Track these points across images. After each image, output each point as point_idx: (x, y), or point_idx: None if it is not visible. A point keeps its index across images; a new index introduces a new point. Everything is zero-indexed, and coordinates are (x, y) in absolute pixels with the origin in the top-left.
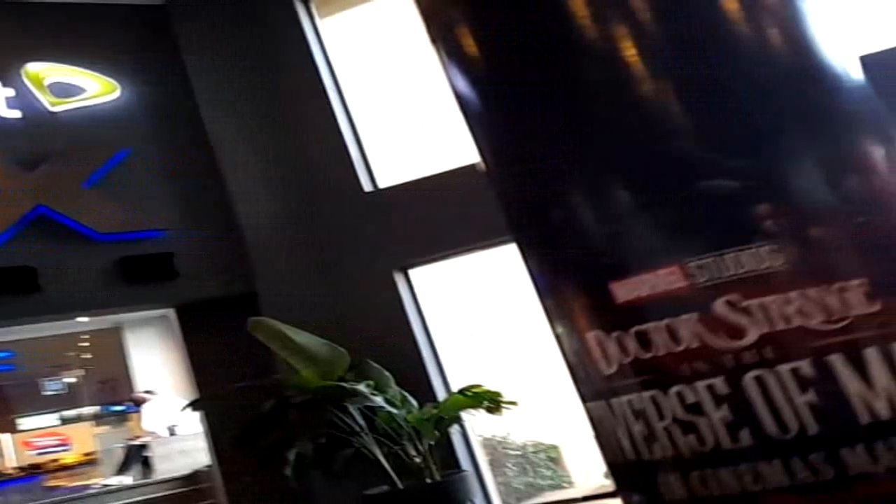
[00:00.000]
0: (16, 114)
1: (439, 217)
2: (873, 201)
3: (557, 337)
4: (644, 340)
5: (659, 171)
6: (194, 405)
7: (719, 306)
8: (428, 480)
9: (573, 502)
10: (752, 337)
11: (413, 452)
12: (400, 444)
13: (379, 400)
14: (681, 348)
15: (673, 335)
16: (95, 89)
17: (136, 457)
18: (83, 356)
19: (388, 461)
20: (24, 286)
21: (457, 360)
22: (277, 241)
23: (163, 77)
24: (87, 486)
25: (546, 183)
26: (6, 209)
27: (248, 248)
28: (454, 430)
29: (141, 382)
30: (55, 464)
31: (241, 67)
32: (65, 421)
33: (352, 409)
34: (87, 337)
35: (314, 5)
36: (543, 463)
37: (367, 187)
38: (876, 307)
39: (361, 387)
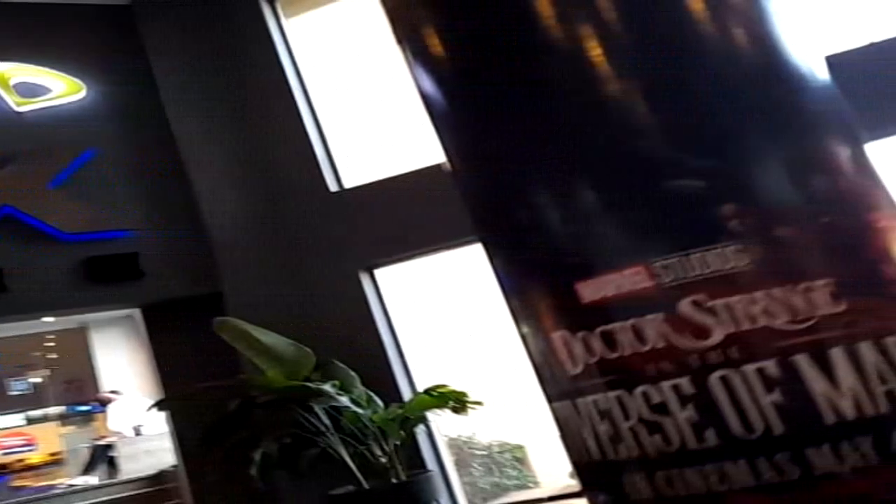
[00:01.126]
0: None
1: (405, 217)
2: (839, 201)
3: (523, 337)
4: (610, 340)
5: (625, 170)
6: (160, 405)
7: (685, 306)
8: (393, 480)
9: (539, 502)
10: (717, 337)
11: (379, 452)
12: (365, 444)
13: (344, 400)
14: (646, 348)
15: (639, 335)
16: (61, 89)
17: (102, 457)
18: (49, 356)
19: (353, 461)
20: None
21: (423, 361)
22: (243, 241)
23: (129, 77)
24: (52, 486)
25: (512, 183)
26: None
27: (214, 248)
28: (420, 430)
29: (107, 382)
30: (21, 464)
31: (207, 67)
32: (30, 421)
33: (317, 409)
34: (52, 337)
35: (280, 5)
36: (509, 463)
37: (333, 187)
38: (841, 307)
39: (327, 387)
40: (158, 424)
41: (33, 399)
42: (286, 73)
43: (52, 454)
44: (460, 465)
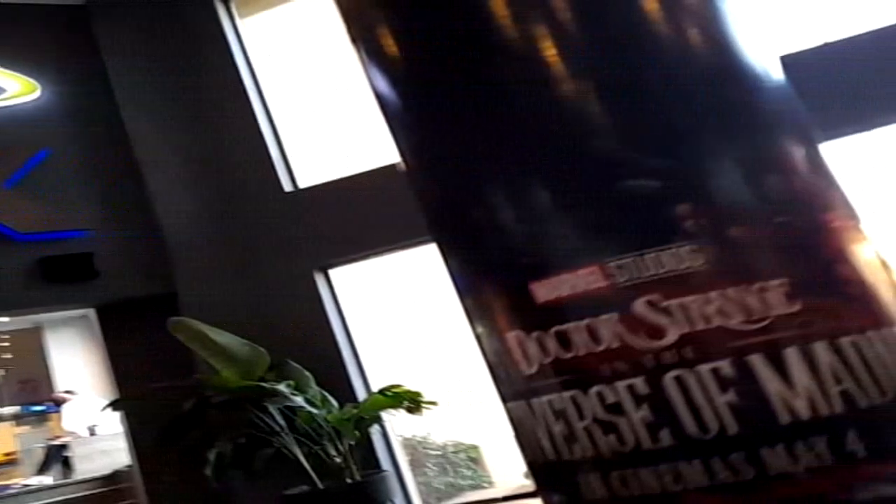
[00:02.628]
0: None
1: (359, 217)
2: (793, 201)
3: (478, 337)
4: (564, 340)
5: (579, 171)
6: (115, 405)
7: (639, 306)
8: (348, 480)
9: (493, 502)
10: (672, 337)
11: (333, 452)
12: (320, 444)
13: (299, 400)
14: (601, 348)
15: (593, 335)
16: (15, 89)
17: (57, 457)
18: (3, 356)
19: (308, 461)
20: None
21: (377, 360)
22: (198, 241)
23: (83, 77)
24: (7, 487)
25: (466, 183)
26: None
27: (169, 248)
28: (374, 430)
29: (61, 382)
30: None
31: (162, 67)
32: None
33: (272, 409)
34: (7, 337)
35: (234, 6)
36: (464, 463)
37: (288, 187)
38: (796, 307)
39: (282, 387)
40: (113, 424)
41: None
42: (241, 74)
43: (7, 454)
44: (415, 465)
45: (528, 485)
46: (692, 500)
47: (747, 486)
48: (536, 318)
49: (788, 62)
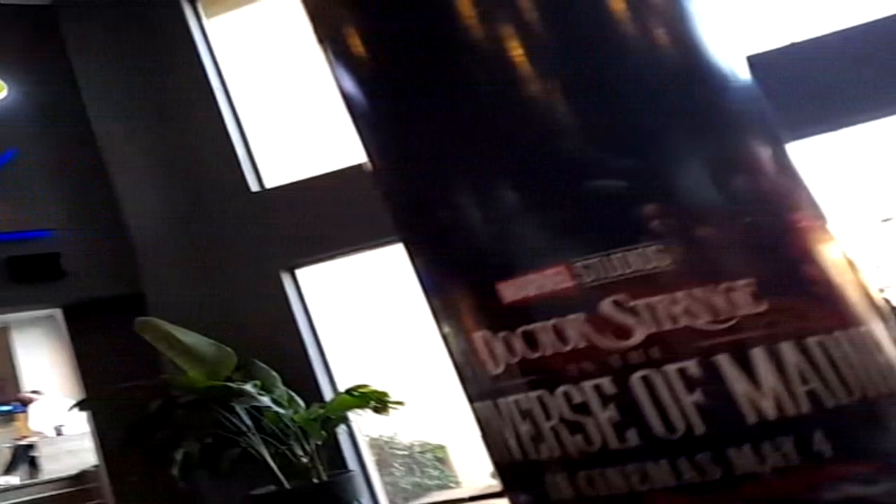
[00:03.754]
0: None
1: (326, 217)
2: (760, 201)
3: (444, 337)
4: (531, 340)
5: (546, 171)
6: (81, 405)
7: (606, 306)
8: (315, 480)
9: (460, 502)
10: (638, 337)
11: (300, 452)
12: (287, 444)
13: (266, 400)
14: (568, 348)
15: (560, 335)
16: None
17: (23, 457)
18: None
19: (274, 461)
20: None
21: (344, 360)
22: (165, 241)
23: (50, 77)
24: None
25: (433, 183)
26: None
27: (136, 248)
28: (341, 430)
29: (28, 382)
30: None
31: (129, 67)
32: None
33: (239, 409)
34: None
35: (201, 6)
36: (430, 463)
37: (254, 187)
38: (762, 307)
39: (248, 387)
40: (80, 424)
41: None
42: (207, 73)
43: None
44: (381, 465)
45: (495, 485)
46: (659, 500)
47: (714, 486)
48: (503, 318)
49: (755, 62)
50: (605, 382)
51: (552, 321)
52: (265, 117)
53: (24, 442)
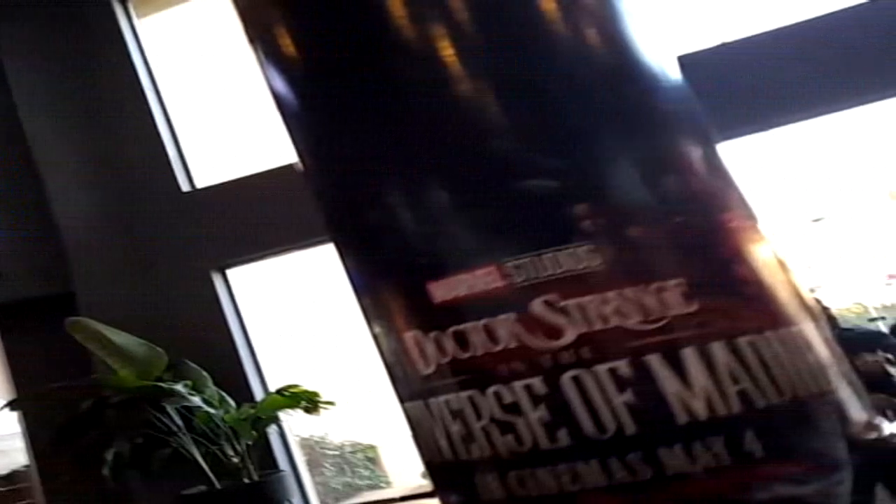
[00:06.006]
0: None
1: (257, 217)
2: (691, 201)
3: (375, 337)
4: (462, 340)
5: (476, 170)
6: (12, 405)
7: (537, 306)
8: (246, 480)
9: (391, 502)
10: (569, 337)
11: (231, 452)
12: (218, 444)
13: (196, 400)
14: (499, 348)
15: (491, 335)
16: None
17: None
18: None
19: (205, 461)
20: None
21: (275, 360)
22: (95, 240)
23: None
24: None
25: (363, 183)
26: None
27: (66, 248)
28: (272, 430)
29: None
30: None
31: (60, 67)
32: None
33: (169, 409)
34: None
35: (132, 5)
36: (361, 463)
37: (185, 187)
38: (693, 307)
39: (179, 387)
40: (10, 424)
41: None
42: (138, 73)
43: None
44: (312, 465)
45: (426, 485)
46: (590, 500)
47: (645, 486)
48: (434, 318)
49: (686, 62)
50: (536, 382)
51: (483, 321)
52: (196, 117)
53: None
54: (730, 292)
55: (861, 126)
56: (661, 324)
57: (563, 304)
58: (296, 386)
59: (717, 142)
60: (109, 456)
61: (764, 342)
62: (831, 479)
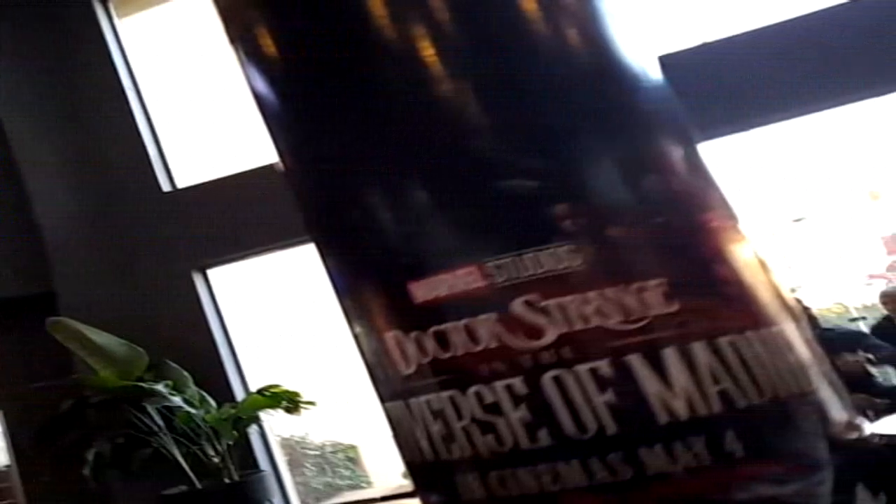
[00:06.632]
0: None
1: (238, 217)
2: (672, 201)
3: (356, 337)
4: (443, 340)
5: (457, 170)
6: None
7: (518, 306)
8: (226, 480)
9: (372, 502)
10: (550, 337)
11: (211, 452)
12: (198, 444)
13: (177, 400)
14: (479, 348)
15: (472, 335)
16: None
17: None
18: None
19: (186, 461)
20: None
21: (256, 360)
22: (76, 241)
23: None
24: None
25: (344, 183)
26: None
27: (47, 248)
28: (253, 430)
29: None
30: None
31: (40, 67)
32: None
33: (150, 409)
34: None
35: (113, 5)
36: (342, 463)
37: (166, 187)
38: (674, 307)
39: (160, 387)
40: None
41: None
42: (119, 73)
43: None
44: (293, 465)
45: (407, 485)
46: (571, 500)
47: (625, 486)
48: (415, 318)
49: (666, 62)
50: (517, 382)
51: (464, 321)
52: (177, 117)
53: None
54: (710, 292)
55: (842, 126)
56: (641, 324)
57: (543, 304)
58: (277, 386)
59: (698, 142)
60: (90, 456)
61: (745, 342)
62: (812, 479)
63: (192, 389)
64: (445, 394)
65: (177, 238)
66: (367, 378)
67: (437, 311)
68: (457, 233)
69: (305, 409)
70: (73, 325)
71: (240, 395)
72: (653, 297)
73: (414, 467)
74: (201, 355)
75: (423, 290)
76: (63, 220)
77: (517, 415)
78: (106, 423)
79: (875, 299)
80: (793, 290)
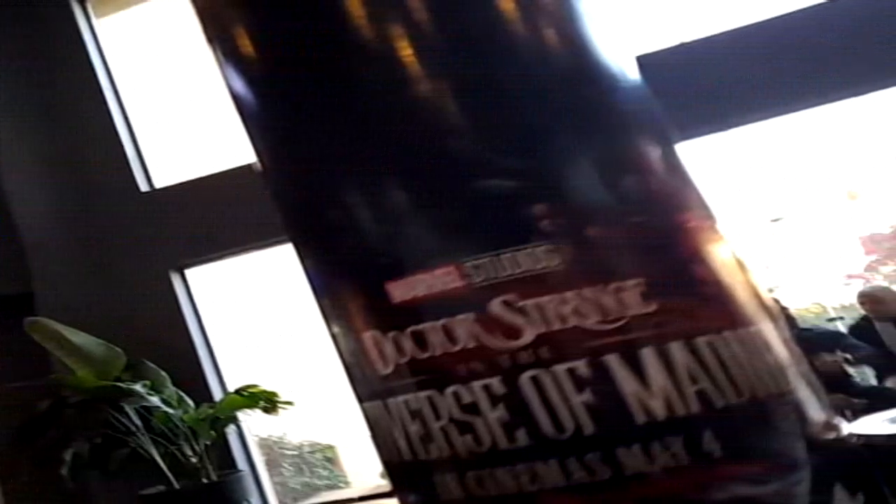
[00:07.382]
0: None
1: (216, 217)
2: (650, 201)
3: (334, 337)
4: (421, 340)
5: (435, 170)
6: None
7: (495, 306)
8: (204, 480)
9: (350, 502)
10: (528, 337)
11: (189, 452)
12: (176, 444)
13: (155, 400)
14: (457, 348)
15: (449, 335)
16: None
17: None
18: None
19: (164, 461)
20: None
21: (234, 360)
22: (54, 240)
23: None
24: None
25: (322, 183)
26: None
27: (25, 248)
28: (230, 430)
29: None
30: None
31: (17, 67)
32: None
33: (128, 409)
34: None
35: (90, 5)
36: (320, 463)
37: (144, 187)
38: (652, 307)
39: (138, 387)
40: None
41: None
42: (97, 73)
43: None
44: (271, 465)
45: (385, 485)
46: (548, 500)
47: (604, 486)
48: (393, 318)
49: (645, 62)
50: (495, 382)
51: (442, 321)
52: (155, 117)
53: None
54: (688, 292)
55: (820, 126)
56: (619, 324)
57: (521, 304)
58: (254, 386)
59: (676, 142)
60: (68, 456)
61: (722, 342)
62: (790, 479)
63: (170, 389)
64: (423, 394)
65: (155, 238)
66: (345, 378)
67: (415, 311)
68: (435, 233)
69: (283, 409)
70: (51, 325)
71: (218, 395)
72: (630, 297)
73: (392, 467)
74: (179, 355)
75: (400, 290)
76: (41, 219)
77: (495, 415)
78: (84, 423)
79: (853, 299)
80: (771, 290)
